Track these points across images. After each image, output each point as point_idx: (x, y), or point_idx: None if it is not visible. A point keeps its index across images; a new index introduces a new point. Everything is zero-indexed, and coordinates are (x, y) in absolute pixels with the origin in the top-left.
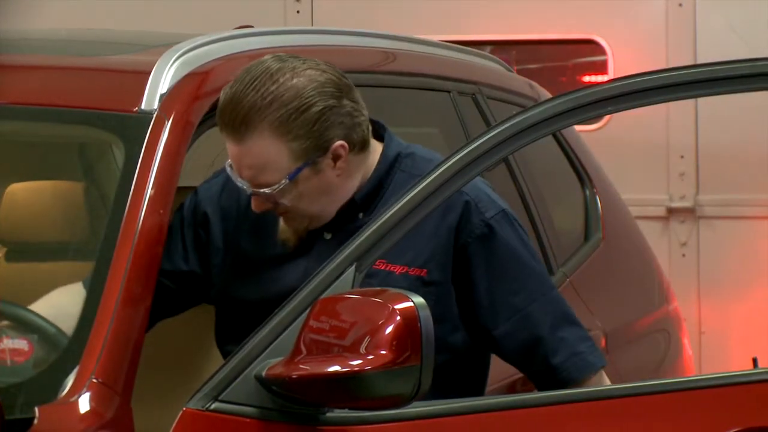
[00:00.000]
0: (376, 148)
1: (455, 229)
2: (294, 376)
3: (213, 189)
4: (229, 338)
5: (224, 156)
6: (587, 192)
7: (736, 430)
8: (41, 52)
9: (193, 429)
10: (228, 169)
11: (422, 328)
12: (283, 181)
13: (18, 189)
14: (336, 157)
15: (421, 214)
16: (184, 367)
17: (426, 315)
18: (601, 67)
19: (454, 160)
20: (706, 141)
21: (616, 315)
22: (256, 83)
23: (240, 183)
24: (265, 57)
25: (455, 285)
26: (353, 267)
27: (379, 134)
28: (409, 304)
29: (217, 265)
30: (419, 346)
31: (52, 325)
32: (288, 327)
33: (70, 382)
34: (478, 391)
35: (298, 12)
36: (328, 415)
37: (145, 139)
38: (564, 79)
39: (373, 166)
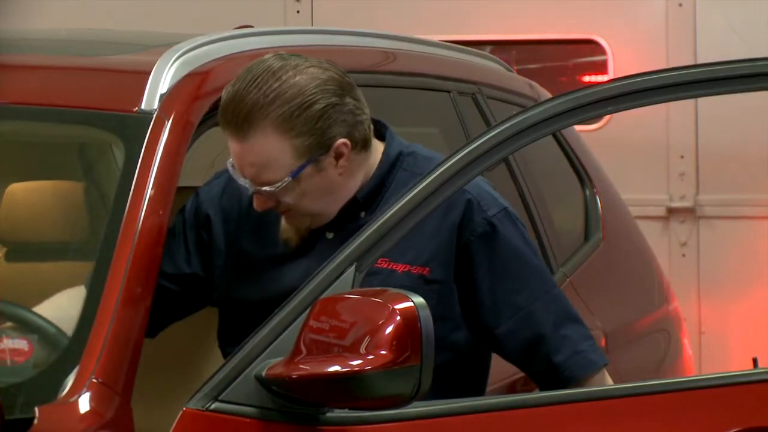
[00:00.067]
0: (378, 147)
1: (457, 227)
2: (294, 376)
3: (214, 191)
4: (232, 339)
5: (224, 156)
6: (587, 192)
7: (736, 430)
8: (41, 52)
9: (193, 429)
10: (230, 169)
11: (422, 328)
12: (286, 179)
13: (18, 189)
14: (338, 155)
15: (421, 213)
16: (184, 367)
17: (426, 315)
18: (601, 67)
19: (454, 160)
20: (706, 141)
21: (616, 315)
22: (258, 81)
23: (242, 182)
24: (267, 56)
25: (457, 283)
26: (353, 267)
27: (381, 133)
28: (409, 304)
29: (219, 267)
30: (419, 346)
31: (52, 325)
32: (288, 327)
33: (70, 382)
34: (479, 390)
35: (298, 12)
36: (328, 415)
37: (145, 139)
38: (564, 79)
39: (375, 165)
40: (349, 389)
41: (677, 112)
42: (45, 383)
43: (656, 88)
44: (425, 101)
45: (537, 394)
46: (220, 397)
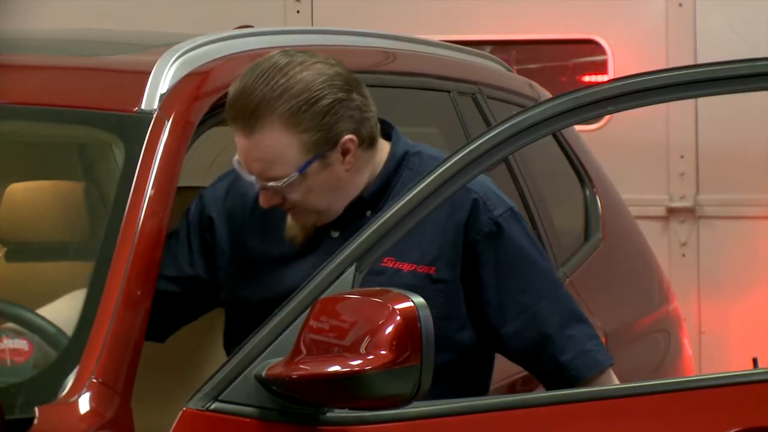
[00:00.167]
0: (384, 146)
1: (463, 227)
2: (294, 376)
3: (218, 192)
4: (237, 340)
5: (224, 156)
6: (587, 192)
7: (736, 430)
8: (41, 52)
9: (193, 429)
10: (236, 165)
11: (422, 328)
12: (293, 175)
13: (18, 189)
14: (345, 152)
15: (422, 213)
16: (184, 367)
17: (426, 315)
18: (601, 67)
19: (454, 160)
20: (706, 141)
21: (616, 315)
22: (265, 76)
23: (248, 178)
24: (273, 53)
25: (463, 283)
26: (353, 267)
27: (387, 133)
28: (409, 304)
29: (223, 268)
30: (419, 346)
31: (52, 325)
32: (288, 327)
33: (70, 382)
34: (483, 390)
35: (298, 12)
36: (328, 415)
37: (145, 139)
38: (564, 79)
39: (381, 164)
40: (349, 389)
41: (677, 112)
42: (45, 383)
43: (656, 88)
44: (425, 101)
45: (537, 394)
46: (220, 397)
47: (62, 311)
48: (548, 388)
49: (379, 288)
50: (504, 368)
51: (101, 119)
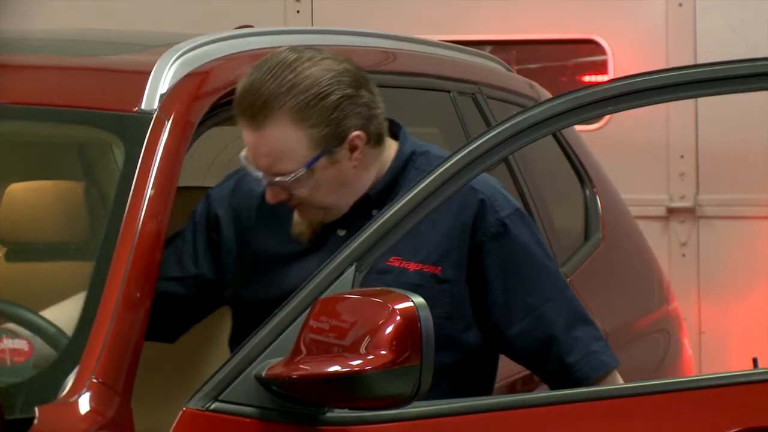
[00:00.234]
0: (391, 145)
1: (470, 227)
2: (294, 376)
3: (224, 192)
4: (243, 339)
5: (224, 156)
6: (587, 192)
7: (736, 430)
8: (41, 52)
9: (193, 429)
10: (243, 161)
11: (422, 328)
12: (300, 170)
13: (18, 189)
14: (353, 148)
15: (422, 213)
16: (184, 367)
17: (426, 315)
18: (601, 67)
19: (454, 160)
20: (706, 141)
21: (616, 315)
22: (274, 72)
23: (255, 173)
24: (281, 49)
25: (469, 284)
26: (353, 267)
27: (394, 133)
28: (409, 304)
29: (229, 267)
30: (419, 346)
31: (52, 325)
32: (288, 327)
33: (70, 382)
34: (487, 391)
35: (298, 12)
36: (328, 415)
37: (145, 139)
38: (564, 79)
39: (388, 163)
40: (349, 389)
41: (677, 112)
42: (45, 383)
43: (656, 88)
44: (425, 101)
45: (537, 394)
46: (220, 397)
47: (63, 312)
48: (553, 389)
49: (379, 288)
50: (504, 368)
51: (101, 119)
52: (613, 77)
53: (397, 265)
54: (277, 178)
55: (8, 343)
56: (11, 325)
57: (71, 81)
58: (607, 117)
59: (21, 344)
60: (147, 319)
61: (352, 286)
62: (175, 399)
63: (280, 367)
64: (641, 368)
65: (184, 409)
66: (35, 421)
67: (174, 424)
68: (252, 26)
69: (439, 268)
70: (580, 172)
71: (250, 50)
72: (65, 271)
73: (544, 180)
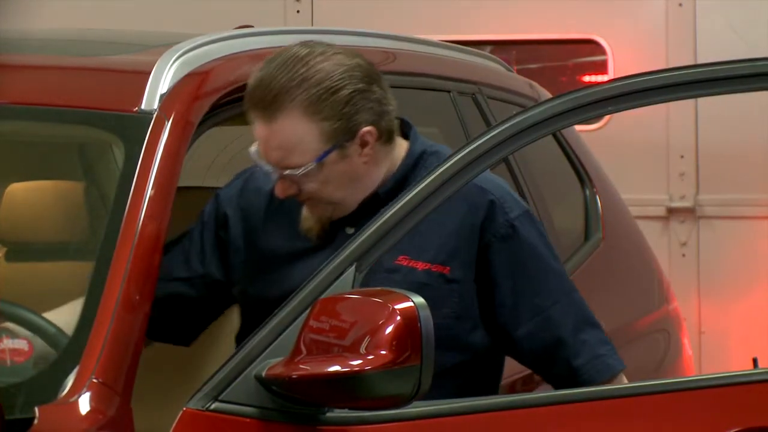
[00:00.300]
0: (402, 144)
1: (479, 227)
2: (294, 376)
3: (232, 191)
4: None
5: (224, 156)
6: (587, 192)
7: (736, 430)
8: (41, 52)
9: (193, 429)
10: (252, 156)
11: (422, 328)
12: (311, 164)
13: (18, 189)
14: (363, 143)
15: (422, 213)
16: (184, 368)
17: (426, 315)
18: (601, 67)
19: (454, 160)
20: (706, 141)
21: (616, 315)
22: (286, 65)
23: (266, 167)
24: (292, 44)
25: (477, 284)
26: (353, 267)
27: (405, 132)
28: (409, 304)
29: (238, 265)
30: (419, 346)
31: (52, 325)
32: (288, 327)
33: (70, 382)
34: (492, 393)
35: (298, 12)
36: (328, 415)
37: (145, 139)
38: (564, 79)
39: (399, 162)
40: (349, 389)
41: (677, 112)
42: (45, 383)
43: (656, 88)
44: (425, 101)
45: (537, 394)
46: (220, 397)
47: (64, 313)
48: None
49: (379, 288)
50: (504, 368)
51: (101, 119)
52: (613, 77)
53: (405, 264)
54: (288, 172)
55: (8, 343)
56: (11, 325)
57: (71, 81)
58: (607, 117)
59: (21, 344)
60: (147, 319)
61: (352, 286)
62: (175, 399)
63: (280, 367)
64: (641, 368)
65: (184, 409)
66: (35, 421)
67: (174, 424)
68: (252, 26)
69: (448, 267)
70: (580, 172)
71: (250, 50)
72: (65, 271)
73: (544, 180)
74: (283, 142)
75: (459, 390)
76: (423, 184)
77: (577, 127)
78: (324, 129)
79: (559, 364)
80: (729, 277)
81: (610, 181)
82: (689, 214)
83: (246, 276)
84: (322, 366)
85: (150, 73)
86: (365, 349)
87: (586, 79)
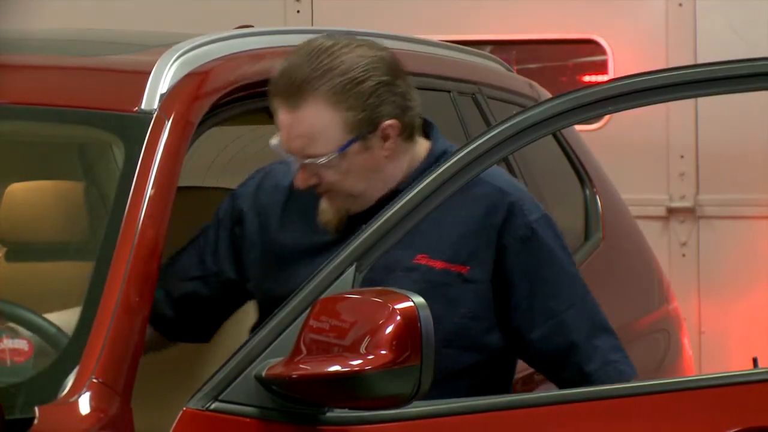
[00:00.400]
0: (423, 143)
1: (498, 228)
2: (294, 376)
3: (249, 189)
4: None
5: (224, 156)
6: (587, 192)
7: (736, 430)
8: (41, 52)
9: (193, 429)
10: (274, 146)
11: (422, 328)
12: (333, 153)
13: (18, 189)
14: (385, 137)
15: (422, 213)
16: (184, 367)
17: (426, 315)
18: (601, 67)
19: (454, 160)
20: (706, 141)
21: (615, 315)
22: (311, 55)
23: (287, 156)
24: (316, 36)
25: (494, 285)
26: (353, 267)
27: (426, 132)
28: (409, 304)
29: (253, 261)
30: (419, 346)
31: (52, 325)
32: (288, 327)
33: (70, 382)
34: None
35: (298, 12)
36: (328, 415)
37: (145, 139)
38: (564, 79)
39: (419, 161)
40: (349, 389)
41: (677, 112)
42: (45, 383)
43: (656, 88)
44: (425, 101)
45: (537, 394)
46: (220, 397)
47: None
48: None
49: (379, 288)
50: None
51: (101, 119)
52: (613, 77)
53: (423, 262)
54: (309, 160)
55: (8, 343)
56: (11, 325)
57: (71, 81)
58: (607, 117)
59: (21, 344)
60: (147, 318)
61: (352, 286)
62: (175, 399)
63: (280, 367)
64: (641, 368)
65: (184, 409)
66: (35, 421)
67: (174, 424)
68: (252, 26)
69: (467, 267)
70: (580, 172)
71: (250, 50)
72: (65, 271)
73: (544, 180)
74: (307, 131)
75: (474, 390)
76: (423, 184)
77: (577, 127)
78: (348, 119)
79: (570, 368)
80: (729, 277)
81: (610, 181)
82: (689, 214)
83: (262, 272)
84: (322, 366)
85: (150, 73)
86: (365, 349)
87: (586, 79)
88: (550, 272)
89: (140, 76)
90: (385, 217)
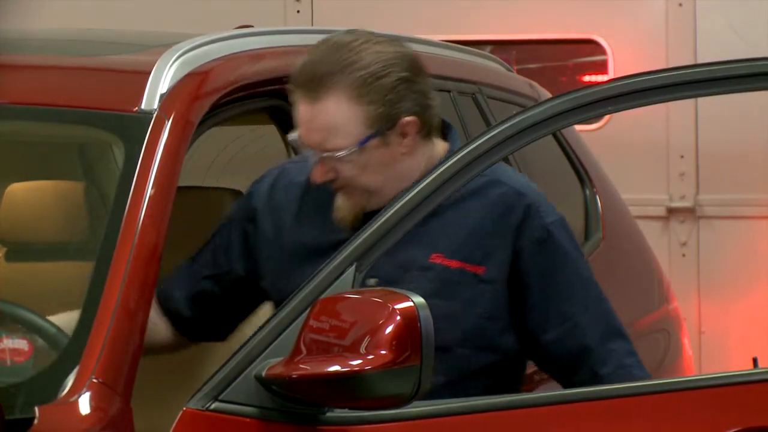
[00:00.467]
0: (441, 144)
1: (515, 230)
2: (294, 376)
3: (263, 186)
4: None
5: (224, 156)
6: (587, 192)
7: (736, 430)
8: (41, 52)
9: (193, 429)
10: (292, 140)
11: (422, 328)
12: (352, 148)
13: (18, 189)
14: (404, 133)
15: (422, 213)
16: (184, 367)
17: (426, 315)
18: (601, 67)
19: (453, 160)
20: (706, 141)
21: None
22: (332, 49)
23: (305, 150)
24: (335, 33)
25: (509, 286)
26: (353, 267)
27: (444, 134)
28: (409, 303)
29: (266, 259)
30: (419, 346)
31: (52, 325)
32: (288, 327)
33: (70, 382)
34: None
35: (298, 12)
36: (328, 415)
37: (145, 139)
38: (564, 79)
39: (437, 161)
40: (349, 389)
41: (677, 112)
42: (45, 383)
43: (656, 88)
44: None
45: (536, 394)
46: (220, 397)
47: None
48: None
49: (379, 288)
50: None
51: (101, 119)
52: (613, 77)
53: (439, 262)
54: (327, 154)
55: (8, 343)
56: (11, 325)
57: (71, 81)
58: (607, 117)
59: (21, 344)
60: (147, 318)
61: (352, 286)
62: (175, 399)
63: (280, 367)
64: None
65: (184, 409)
66: (35, 421)
67: (174, 424)
68: (252, 26)
69: (482, 268)
70: (580, 172)
71: (250, 50)
72: (65, 271)
73: (544, 180)
74: (326, 124)
75: (489, 391)
76: (423, 184)
77: (577, 127)
78: (368, 113)
79: (583, 371)
80: (729, 277)
81: (610, 181)
82: (689, 214)
83: (276, 269)
84: (322, 366)
85: (150, 73)
86: (365, 348)
87: (586, 79)
88: (565, 275)
89: (140, 76)
90: (385, 217)
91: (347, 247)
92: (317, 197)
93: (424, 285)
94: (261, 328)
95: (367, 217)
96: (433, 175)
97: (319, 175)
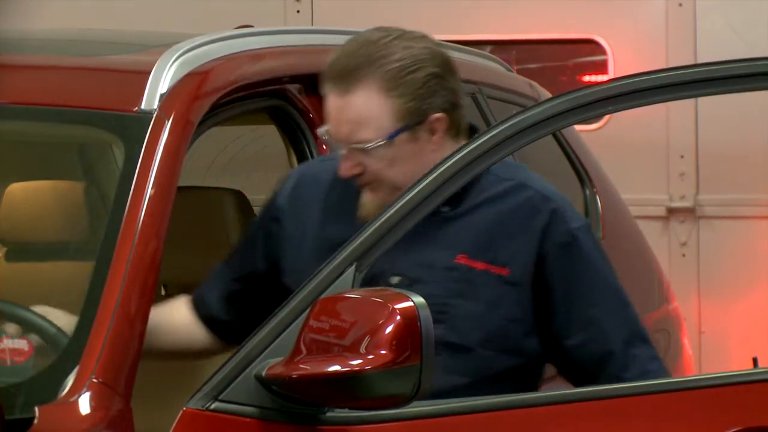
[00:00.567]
0: None
1: (540, 234)
2: (294, 376)
3: (288, 185)
4: None
5: (224, 156)
6: (587, 192)
7: (736, 430)
8: (41, 52)
9: (193, 429)
10: (321, 134)
11: (422, 328)
12: (381, 140)
13: (18, 189)
14: (433, 130)
15: (422, 214)
16: (185, 367)
17: (426, 315)
18: (601, 67)
19: (453, 160)
20: (706, 141)
21: None
22: (363, 44)
23: (333, 143)
24: (365, 30)
25: (533, 289)
26: (353, 267)
27: (470, 136)
28: (409, 303)
29: (290, 256)
30: (419, 346)
31: (52, 325)
32: (288, 327)
33: (70, 382)
34: None
35: (298, 12)
36: (328, 415)
37: (145, 139)
38: (564, 79)
39: None
40: (349, 389)
41: (677, 112)
42: (45, 383)
43: (656, 88)
44: None
45: (537, 394)
46: (220, 397)
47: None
48: None
49: (379, 288)
50: None
51: (101, 119)
52: (613, 77)
53: (463, 263)
54: (356, 145)
55: (8, 343)
56: (11, 325)
57: (71, 81)
58: (607, 117)
59: (21, 344)
60: (147, 318)
61: (352, 286)
62: (175, 399)
63: (280, 366)
64: None
65: (184, 409)
66: (35, 421)
67: (174, 424)
68: (252, 26)
69: (507, 270)
70: (580, 172)
71: (250, 50)
72: (65, 271)
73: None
74: (356, 116)
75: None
76: (423, 184)
77: (577, 127)
78: (398, 107)
79: (606, 376)
80: (729, 277)
81: (610, 181)
82: (689, 214)
83: (301, 266)
84: (322, 366)
85: (150, 73)
86: (365, 348)
87: (586, 79)
88: (589, 280)
89: (140, 76)
90: (385, 217)
91: (347, 246)
92: (342, 195)
93: (449, 285)
94: (261, 327)
95: None
96: (433, 175)
97: (346, 170)
